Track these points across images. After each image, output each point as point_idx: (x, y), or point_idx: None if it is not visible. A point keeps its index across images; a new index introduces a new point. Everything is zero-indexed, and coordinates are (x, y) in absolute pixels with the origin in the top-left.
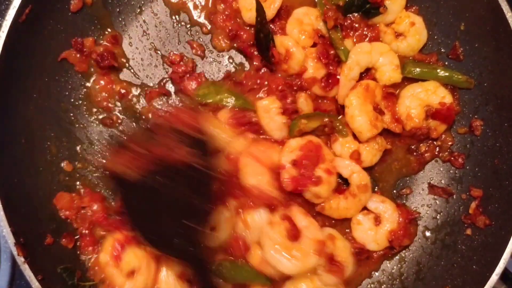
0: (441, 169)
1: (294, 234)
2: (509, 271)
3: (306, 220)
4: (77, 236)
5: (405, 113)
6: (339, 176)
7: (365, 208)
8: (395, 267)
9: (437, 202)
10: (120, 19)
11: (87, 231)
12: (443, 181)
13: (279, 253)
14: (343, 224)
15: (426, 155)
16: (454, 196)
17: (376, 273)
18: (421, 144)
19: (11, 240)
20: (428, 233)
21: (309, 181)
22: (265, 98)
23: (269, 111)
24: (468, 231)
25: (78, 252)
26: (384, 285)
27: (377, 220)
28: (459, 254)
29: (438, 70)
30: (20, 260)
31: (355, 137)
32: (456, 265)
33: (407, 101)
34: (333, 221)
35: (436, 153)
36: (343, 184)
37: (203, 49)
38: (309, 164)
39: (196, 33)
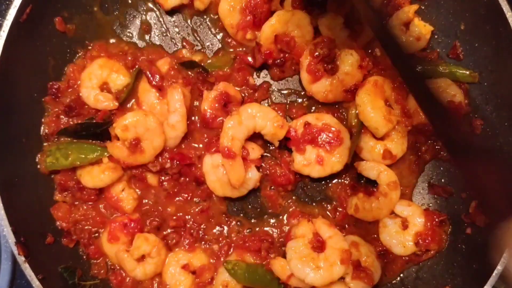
0: (441, 168)
1: (319, 246)
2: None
3: (330, 231)
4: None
5: (413, 108)
6: (367, 179)
7: (392, 212)
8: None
9: (437, 202)
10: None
11: (88, 241)
12: (443, 180)
13: (306, 265)
14: (368, 229)
15: (425, 155)
16: (454, 195)
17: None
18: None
19: (11, 239)
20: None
21: None
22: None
23: None
24: (468, 230)
25: (80, 252)
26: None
27: (404, 224)
28: (459, 253)
29: (440, 67)
30: (21, 259)
31: (374, 137)
32: (456, 264)
33: None
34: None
35: (436, 153)
36: (372, 187)
37: None
38: None
39: None
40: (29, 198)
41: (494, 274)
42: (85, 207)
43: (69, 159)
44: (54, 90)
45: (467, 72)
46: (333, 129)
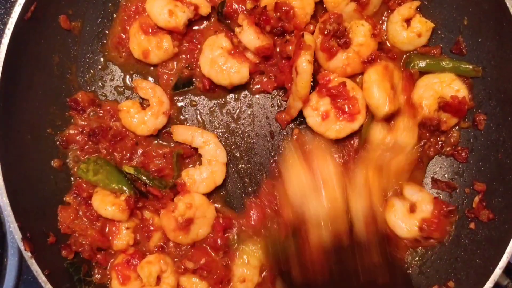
0: (445, 163)
1: None
2: None
3: None
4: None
5: (417, 102)
6: None
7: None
8: None
9: (441, 196)
10: None
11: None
12: (446, 175)
13: None
14: None
15: (429, 151)
16: (458, 190)
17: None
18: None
19: (18, 235)
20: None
21: None
22: None
23: None
24: (472, 225)
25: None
26: None
27: (412, 208)
28: (463, 248)
29: (443, 62)
30: (27, 255)
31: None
32: (459, 259)
33: (421, 90)
34: None
35: (439, 148)
36: None
37: None
38: None
39: None
40: (36, 195)
41: (497, 269)
42: (86, 222)
43: (96, 177)
44: (73, 104)
45: (470, 67)
46: (356, 105)
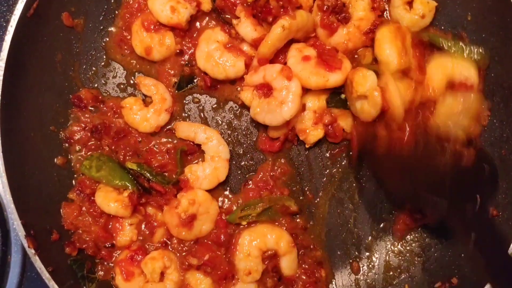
0: None
1: None
2: None
3: None
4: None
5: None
6: None
7: None
8: (401, 257)
9: None
10: None
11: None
12: None
13: None
14: None
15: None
16: None
17: (382, 267)
18: None
19: (21, 232)
20: (435, 224)
21: None
22: None
23: None
24: None
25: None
26: (391, 276)
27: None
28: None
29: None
30: (31, 252)
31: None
32: (463, 256)
33: (433, 68)
34: None
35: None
36: None
37: None
38: None
39: None
40: (39, 192)
41: None
42: (90, 219)
43: (99, 173)
44: (77, 101)
45: (479, 50)
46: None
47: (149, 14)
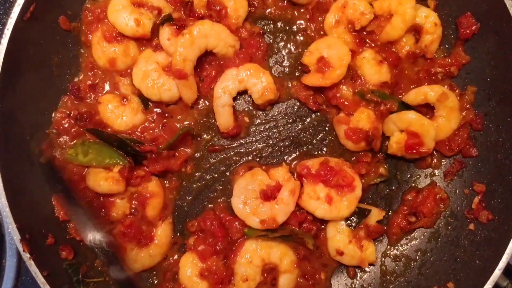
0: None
1: None
2: None
3: None
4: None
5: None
6: None
7: None
8: (397, 261)
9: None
10: None
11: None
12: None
13: None
14: None
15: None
16: (457, 191)
17: (377, 272)
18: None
19: (16, 236)
20: (430, 229)
21: None
22: None
23: None
24: (471, 226)
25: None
26: (387, 280)
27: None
28: (462, 249)
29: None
30: (26, 256)
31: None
32: (459, 260)
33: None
34: None
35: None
36: None
37: None
38: None
39: None
40: (34, 196)
41: (497, 270)
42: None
43: (87, 157)
44: (75, 90)
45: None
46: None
47: (108, 24)
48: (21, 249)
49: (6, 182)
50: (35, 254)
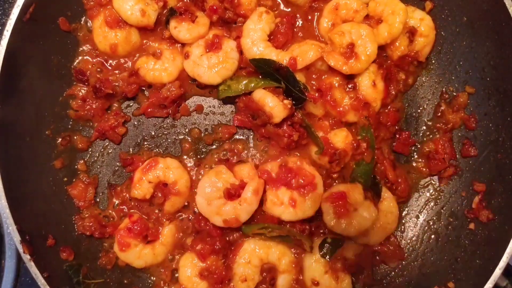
0: None
1: None
2: None
3: None
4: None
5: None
6: None
7: None
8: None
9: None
10: None
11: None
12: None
13: None
14: None
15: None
16: (457, 191)
17: (381, 271)
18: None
19: (17, 237)
20: (431, 228)
21: None
22: None
23: None
24: (471, 226)
25: (84, 250)
26: (388, 280)
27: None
28: (462, 248)
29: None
30: (26, 257)
31: None
32: (459, 260)
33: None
34: None
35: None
36: None
37: None
38: None
39: None
40: (34, 197)
41: (497, 269)
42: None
43: (240, 84)
44: (80, 76)
45: None
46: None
47: (111, 10)
48: (21, 250)
49: (6, 183)
50: (35, 256)
